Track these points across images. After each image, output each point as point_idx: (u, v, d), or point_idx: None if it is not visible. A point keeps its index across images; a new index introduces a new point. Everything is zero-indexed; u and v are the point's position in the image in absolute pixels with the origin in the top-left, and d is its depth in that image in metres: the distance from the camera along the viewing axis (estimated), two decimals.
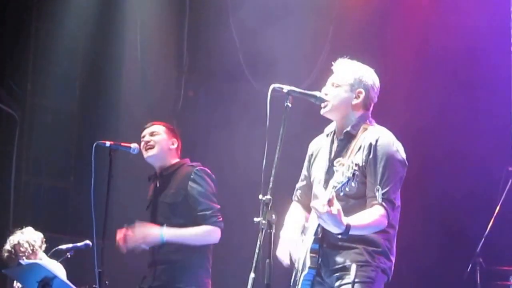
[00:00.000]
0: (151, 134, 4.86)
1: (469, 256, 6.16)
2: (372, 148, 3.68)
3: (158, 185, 4.84)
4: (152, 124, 4.93)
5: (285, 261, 3.74)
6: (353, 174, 3.35)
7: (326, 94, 3.83)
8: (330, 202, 3.40)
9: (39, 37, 8.05)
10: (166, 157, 4.84)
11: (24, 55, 7.93)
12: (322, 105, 3.82)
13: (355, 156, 3.61)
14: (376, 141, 3.69)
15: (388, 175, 3.64)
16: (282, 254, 3.75)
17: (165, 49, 8.41)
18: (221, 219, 4.70)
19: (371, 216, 3.59)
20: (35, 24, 8.02)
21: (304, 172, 4.02)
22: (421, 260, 6.71)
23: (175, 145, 4.87)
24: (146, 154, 4.84)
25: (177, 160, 4.87)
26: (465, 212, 6.61)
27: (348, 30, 7.35)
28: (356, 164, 3.37)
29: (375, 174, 3.64)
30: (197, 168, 4.79)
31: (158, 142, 4.82)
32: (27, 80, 7.94)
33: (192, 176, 4.72)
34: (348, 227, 3.46)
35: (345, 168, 3.37)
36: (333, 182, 3.41)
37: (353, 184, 3.40)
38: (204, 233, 4.64)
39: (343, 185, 3.38)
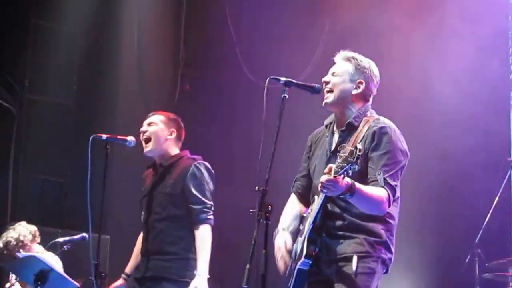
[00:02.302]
0: (149, 124, 4.84)
1: (468, 248, 6.15)
2: (376, 136, 3.66)
3: (157, 175, 4.81)
4: (153, 114, 4.91)
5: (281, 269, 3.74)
6: (357, 159, 3.31)
7: (326, 82, 3.81)
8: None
9: (37, 33, 8.03)
10: (163, 148, 4.80)
11: (22, 51, 7.92)
12: (325, 96, 3.80)
13: (358, 144, 3.56)
14: (379, 129, 3.68)
15: (390, 162, 3.62)
16: (278, 263, 3.75)
17: (162, 43, 8.40)
18: (211, 216, 4.65)
19: (374, 190, 3.56)
20: (33, 20, 8.01)
21: (303, 163, 3.99)
22: (420, 251, 6.71)
23: (173, 136, 4.82)
24: (144, 150, 4.82)
25: (177, 151, 4.84)
26: (463, 203, 6.60)
27: (344, 23, 7.34)
28: (359, 150, 3.33)
29: (377, 160, 3.62)
30: (198, 161, 4.76)
31: (153, 132, 4.79)
32: (25, 76, 7.92)
33: (191, 169, 4.69)
34: (353, 184, 3.43)
35: (348, 153, 3.34)
36: (336, 168, 3.37)
37: (356, 169, 3.37)
38: (205, 239, 4.59)
39: (345, 170, 3.35)
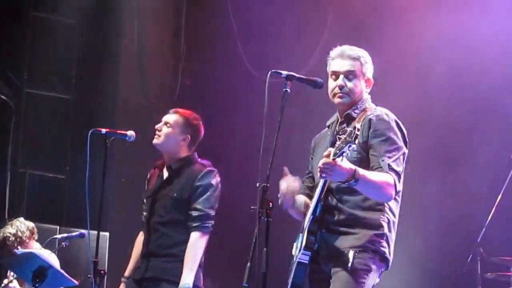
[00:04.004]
0: (166, 123, 4.75)
1: (470, 247, 6.10)
2: (373, 123, 3.62)
3: (164, 177, 4.74)
4: (174, 113, 4.80)
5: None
6: (355, 138, 3.25)
7: (342, 87, 3.71)
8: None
9: (36, 26, 7.98)
10: (174, 150, 4.72)
11: (20, 43, 7.86)
12: (340, 96, 3.71)
13: (357, 124, 3.47)
14: (376, 116, 3.65)
15: (392, 148, 3.58)
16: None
17: (162, 37, 8.36)
18: (209, 224, 4.56)
19: (379, 175, 3.50)
20: (32, 12, 7.96)
21: (308, 166, 3.95)
22: (422, 250, 6.68)
23: (186, 141, 4.73)
24: (153, 140, 4.74)
25: (186, 154, 4.76)
26: (465, 202, 6.57)
27: (347, 17, 7.30)
28: (358, 129, 3.27)
29: (379, 147, 3.58)
30: (208, 168, 4.69)
31: (166, 134, 4.70)
32: (23, 69, 7.87)
33: (200, 176, 4.62)
34: (356, 170, 3.38)
35: (347, 134, 3.29)
36: (335, 150, 3.32)
37: (354, 148, 3.31)
38: (196, 246, 4.51)
39: (343, 150, 3.30)
